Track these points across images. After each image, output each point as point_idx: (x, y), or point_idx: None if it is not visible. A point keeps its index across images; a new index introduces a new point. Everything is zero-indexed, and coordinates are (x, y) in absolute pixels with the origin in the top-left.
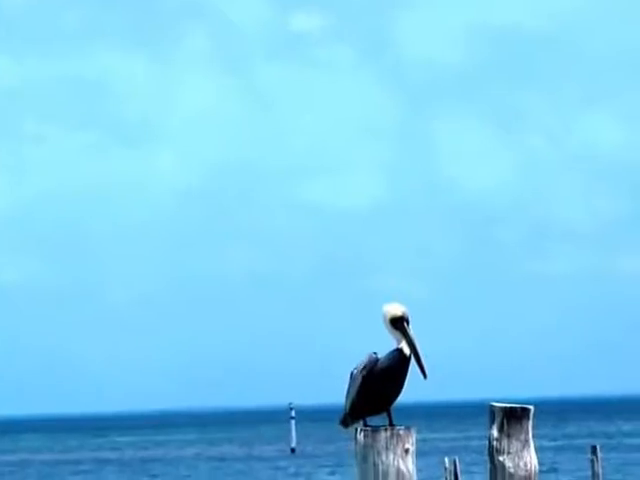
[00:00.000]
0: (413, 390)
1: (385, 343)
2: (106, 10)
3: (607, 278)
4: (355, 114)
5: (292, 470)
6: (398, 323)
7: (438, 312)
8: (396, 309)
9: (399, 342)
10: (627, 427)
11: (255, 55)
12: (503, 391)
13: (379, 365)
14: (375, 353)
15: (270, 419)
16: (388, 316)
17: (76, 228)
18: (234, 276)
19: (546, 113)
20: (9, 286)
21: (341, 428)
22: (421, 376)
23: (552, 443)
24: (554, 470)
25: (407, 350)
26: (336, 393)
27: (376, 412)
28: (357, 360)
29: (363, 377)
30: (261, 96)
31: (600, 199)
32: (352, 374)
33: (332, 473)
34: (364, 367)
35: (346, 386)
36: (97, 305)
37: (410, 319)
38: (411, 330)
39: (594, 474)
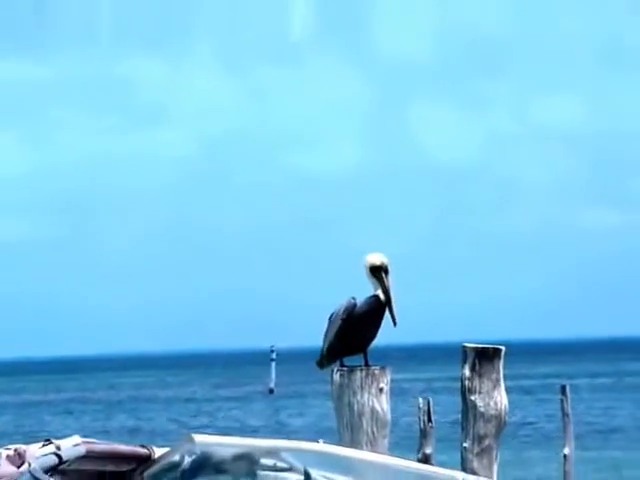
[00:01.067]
0: (389, 332)
1: (364, 290)
2: (130, 17)
3: (569, 234)
4: (336, 99)
5: (270, 410)
6: (376, 272)
7: (414, 266)
8: (376, 258)
9: (376, 289)
10: (593, 368)
11: (253, 58)
12: (476, 334)
13: (357, 309)
14: (354, 298)
15: (251, 361)
16: (368, 264)
17: (82, 194)
18: (223, 233)
19: (510, 97)
20: (20, 239)
21: (317, 369)
22: (391, 323)
23: (522, 383)
24: (524, 409)
25: (383, 297)
26: (316, 336)
27: (352, 353)
28: (336, 304)
29: (342, 320)
30: (254, 88)
31: (562, 163)
32: (331, 317)
33: (309, 413)
34: (344, 311)
35: (324, 329)
36: (96, 260)
37: (389, 269)
38: (389, 280)
39: (564, 414)
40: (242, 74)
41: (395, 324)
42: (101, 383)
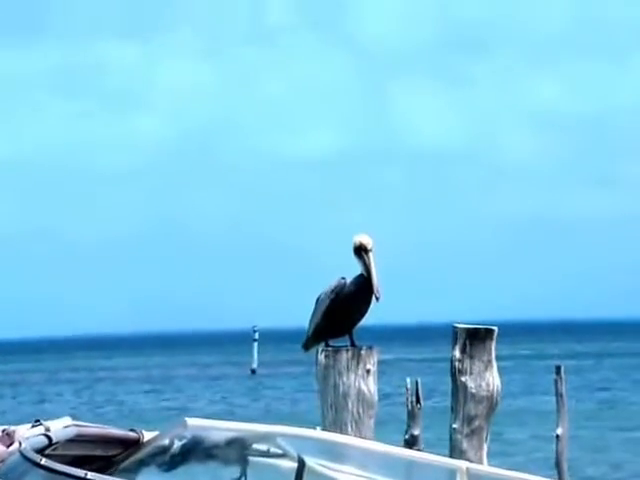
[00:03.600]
0: (375, 312)
1: (354, 270)
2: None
3: (556, 215)
4: (318, 83)
5: (251, 390)
6: (357, 251)
7: (404, 246)
8: (357, 239)
9: (363, 269)
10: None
11: (228, 41)
12: (466, 314)
13: (346, 289)
14: (343, 278)
15: (233, 341)
16: (353, 246)
17: (57, 179)
18: (203, 218)
19: (494, 78)
20: None
21: (303, 351)
22: (374, 299)
23: (514, 364)
24: (517, 391)
25: (366, 275)
26: (301, 317)
27: (338, 335)
28: (324, 285)
29: (330, 300)
30: (230, 69)
31: (547, 144)
32: (319, 299)
33: (292, 394)
34: (332, 290)
35: (311, 310)
36: (72, 249)
37: (369, 248)
38: (370, 258)
39: (558, 394)
40: (219, 57)
41: (377, 299)
42: (66, 364)
